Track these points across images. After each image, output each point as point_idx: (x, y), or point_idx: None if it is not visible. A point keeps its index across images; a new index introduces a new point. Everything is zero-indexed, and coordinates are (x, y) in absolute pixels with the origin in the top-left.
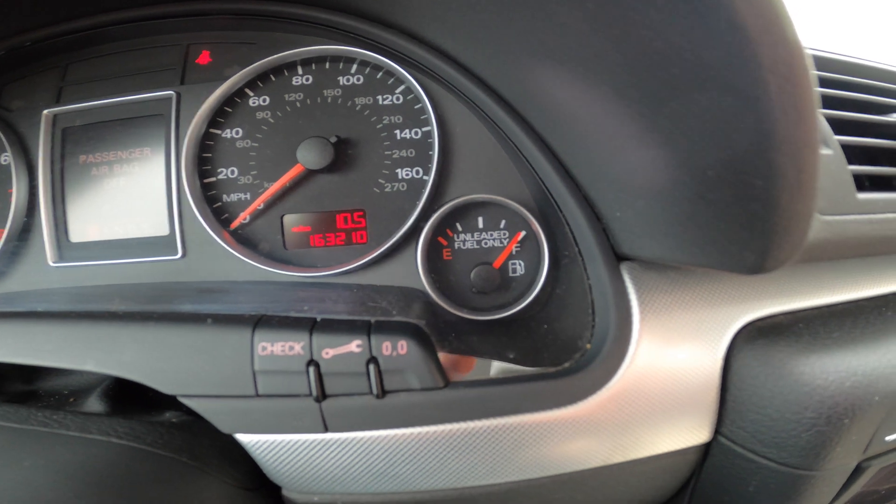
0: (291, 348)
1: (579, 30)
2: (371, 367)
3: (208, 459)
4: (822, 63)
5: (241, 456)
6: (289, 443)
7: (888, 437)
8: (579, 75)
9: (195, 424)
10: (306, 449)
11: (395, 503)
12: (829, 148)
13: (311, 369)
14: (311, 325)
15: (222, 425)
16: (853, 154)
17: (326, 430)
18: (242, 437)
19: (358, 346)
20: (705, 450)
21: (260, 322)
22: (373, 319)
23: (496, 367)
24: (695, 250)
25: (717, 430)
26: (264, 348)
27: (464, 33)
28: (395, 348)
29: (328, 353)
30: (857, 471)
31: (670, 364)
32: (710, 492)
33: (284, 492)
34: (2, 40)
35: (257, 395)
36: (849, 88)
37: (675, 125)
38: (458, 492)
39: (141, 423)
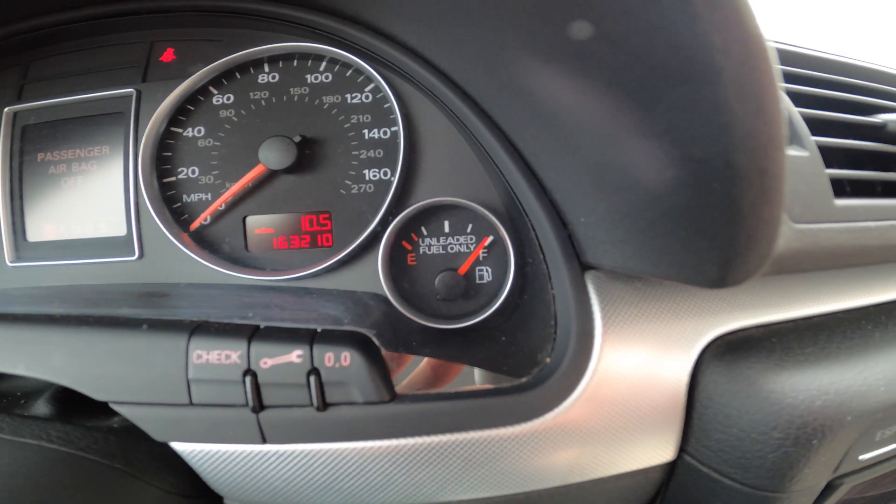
0: (228, 357)
1: (551, 19)
2: (312, 378)
3: (144, 466)
4: (799, 59)
5: (180, 464)
6: (226, 453)
7: (862, 456)
8: (553, 67)
9: (134, 430)
10: (245, 460)
11: None
12: (805, 149)
13: (248, 379)
14: (251, 333)
15: (155, 433)
16: (833, 157)
17: (265, 441)
18: (178, 446)
19: (298, 356)
20: (670, 469)
21: (197, 329)
22: (319, 328)
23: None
24: (655, 260)
25: (683, 449)
26: (199, 356)
27: (432, 28)
28: (339, 359)
29: (266, 363)
30: (828, 489)
31: (633, 379)
32: None
33: (227, 501)
34: None
35: (191, 404)
36: (829, 87)
37: (641, 119)
38: None
39: (77, 428)
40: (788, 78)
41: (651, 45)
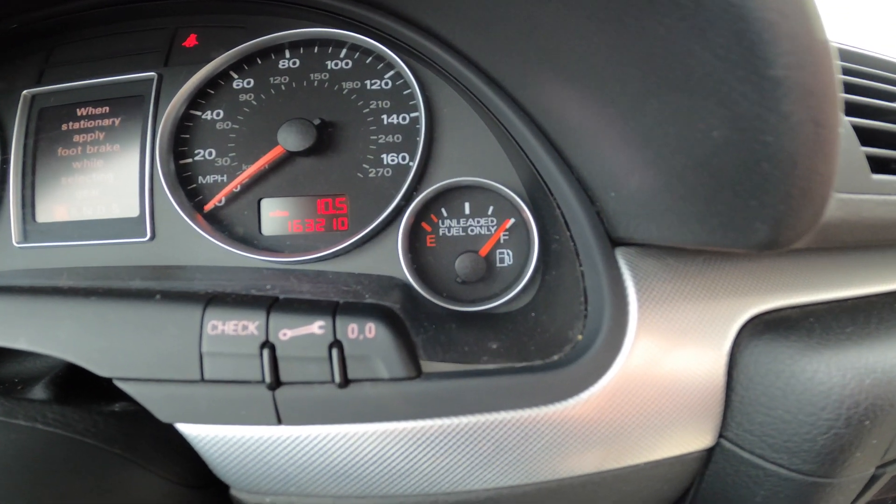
0: (245, 328)
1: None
2: (334, 351)
3: (146, 452)
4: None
5: (186, 451)
6: (237, 437)
7: None
8: (585, 42)
9: (138, 415)
10: (257, 444)
11: None
12: (842, 127)
13: (266, 352)
14: (270, 304)
15: (161, 413)
16: (866, 140)
17: (280, 422)
18: (184, 429)
19: (320, 327)
20: (707, 456)
21: (214, 299)
22: (341, 301)
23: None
24: (697, 227)
25: (721, 434)
26: (214, 327)
27: (458, 15)
28: (363, 331)
29: (286, 335)
30: (872, 479)
31: (670, 359)
32: (711, 503)
33: (233, 491)
34: None
35: (203, 381)
36: (859, 77)
37: (677, 82)
38: (430, 498)
39: (75, 411)
40: None
41: (697, 7)
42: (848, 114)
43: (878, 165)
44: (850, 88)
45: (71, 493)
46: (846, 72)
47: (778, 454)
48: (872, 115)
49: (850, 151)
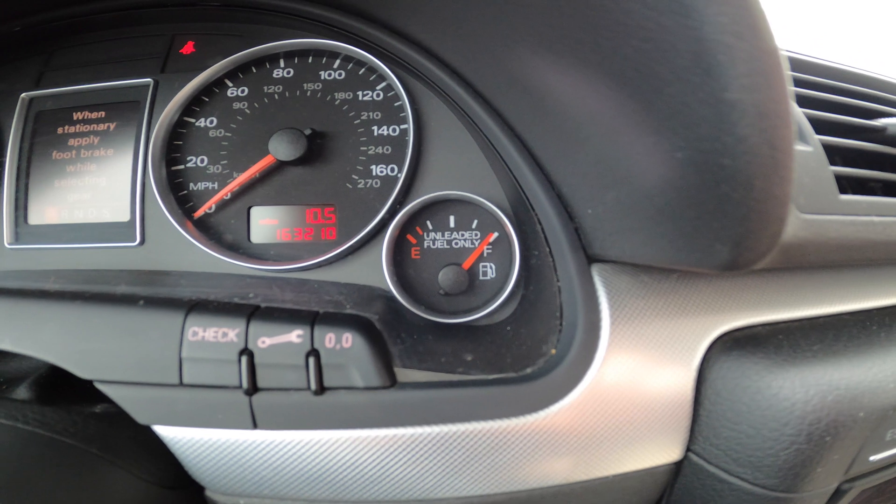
0: (225, 335)
1: (556, 14)
2: (310, 359)
3: (123, 453)
4: (803, 66)
5: (163, 452)
6: (213, 440)
7: (872, 457)
8: (558, 63)
9: (118, 416)
10: (232, 447)
11: None
12: (809, 145)
13: (244, 359)
14: (251, 312)
15: (139, 415)
16: (836, 158)
17: (255, 426)
18: (162, 431)
19: (298, 336)
20: (676, 469)
21: (196, 306)
22: (321, 310)
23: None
24: (666, 246)
25: (689, 448)
26: (195, 333)
27: (446, 27)
28: (340, 341)
29: (264, 343)
30: (837, 493)
31: (640, 373)
32: None
33: (208, 493)
34: None
35: (181, 385)
36: (832, 93)
37: (645, 102)
38: None
39: (55, 411)
40: (794, 82)
41: (659, 26)
42: (818, 132)
43: (847, 185)
44: (821, 105)
45: (48, 491)
46: (817, 87)
47: (742, 468)
48: (843, 133)
49: (817, 170)
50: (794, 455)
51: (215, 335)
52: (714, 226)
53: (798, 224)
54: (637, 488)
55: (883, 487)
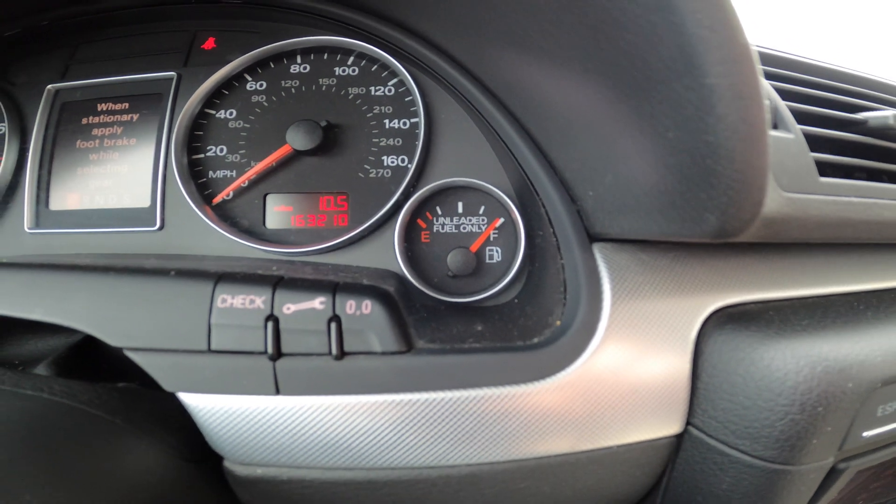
0: (252, 302)
1: (553, 17)
2: (332, 325)
3: (145, 425)
4: (787, 63)
5: (183, 425)
6: (235, 407)
7: (866, 433)
8: (560, 58)
9: (139, 391)
10: (254, 414)
11: (346, 481)
12: (791, 133)
13: (270, 324)
14: (276, 282)
15: (167, 382)
16: (818, 148)
17: (278, 392)
18: (186, 398)
19: (321, 302)
20: (677, 443)
21: (224, 276)
22: (341, 280)
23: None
24: (660, 219)
25: (689, 421)
26: (224, 300)
27: (451, 24)
28: (360, 308)
29: (289, 309)
30: (834, 472)
31: (640, 345)
32: (682, 491)
33: (226, 463)
34: (19, 18)
35: (209, 351)
36: (815, 88)
37: (640, 88)
38: (413, 472)
39: (79, 384)
40: (778, 78)
41: (650, 25)
42: (804, 123)
43: (833, 172)
44: (807, 100)
45: (72, 459)
46: (805, 84)
47: (741, 440)
48: (829, 126)
49: (799, 155)
50: (789, 425)
51: (243, 302)
52: (702, 196)
53: (781, 201)
54: (640, 461)
55: (879, 472)
